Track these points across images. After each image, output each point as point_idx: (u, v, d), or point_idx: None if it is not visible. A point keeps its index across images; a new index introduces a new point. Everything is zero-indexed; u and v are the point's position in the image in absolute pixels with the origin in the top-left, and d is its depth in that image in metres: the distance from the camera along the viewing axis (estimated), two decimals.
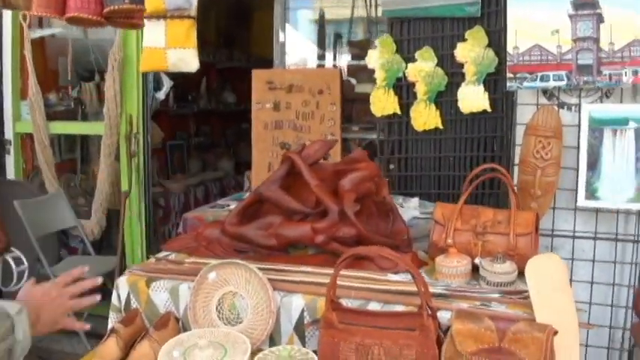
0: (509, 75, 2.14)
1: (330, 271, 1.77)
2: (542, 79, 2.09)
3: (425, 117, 2.48)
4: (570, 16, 2.03)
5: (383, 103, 2.54)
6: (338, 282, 1.72)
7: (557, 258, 1.55)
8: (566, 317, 1.44)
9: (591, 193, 2.04)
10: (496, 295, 1.65)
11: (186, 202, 4.81)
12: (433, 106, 2.47)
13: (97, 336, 2.28)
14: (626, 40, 1.97)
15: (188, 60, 2.42)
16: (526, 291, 1.65)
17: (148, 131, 3.23)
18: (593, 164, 2.04)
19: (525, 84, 2.12)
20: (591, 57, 2.02)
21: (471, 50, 2.37)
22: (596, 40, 2.01)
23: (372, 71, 2.57)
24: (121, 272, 3.26)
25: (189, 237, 2.17)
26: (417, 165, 2.59)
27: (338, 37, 4.51)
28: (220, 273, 1.72)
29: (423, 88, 2.47)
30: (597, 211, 2.10)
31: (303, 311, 1.66)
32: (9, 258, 2.68)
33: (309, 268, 1.79)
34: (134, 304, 1.84)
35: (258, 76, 2.95)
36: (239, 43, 6.63)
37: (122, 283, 1.85)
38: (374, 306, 1.61)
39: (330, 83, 2.84)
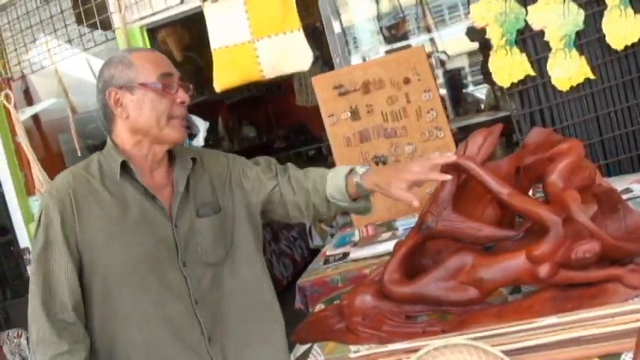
0: None
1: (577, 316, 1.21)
2: None
3: (569, 70, 1.92)
4: None
5: (508, 67, 1.99)
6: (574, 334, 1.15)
7: None
8: None
9: None
10: None
11: None
12: (575, 53, 1.92)
13: None
14: None
15: (295, 52, 1.60)
16: None
17: None
18: None
19: None
20: None
21: None
22: None
23: None
24: None
25: (327, 314, 1.61)
26: (572, 135, 2.02)
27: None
28: None
29: (556, 33, 1.91)
30: None
31: None
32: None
33: (550, 320, 1.21)
34: None
35: (322, 82, 2.41)
36: None
37: None
38: None
39: (417, 66, 2.28)
